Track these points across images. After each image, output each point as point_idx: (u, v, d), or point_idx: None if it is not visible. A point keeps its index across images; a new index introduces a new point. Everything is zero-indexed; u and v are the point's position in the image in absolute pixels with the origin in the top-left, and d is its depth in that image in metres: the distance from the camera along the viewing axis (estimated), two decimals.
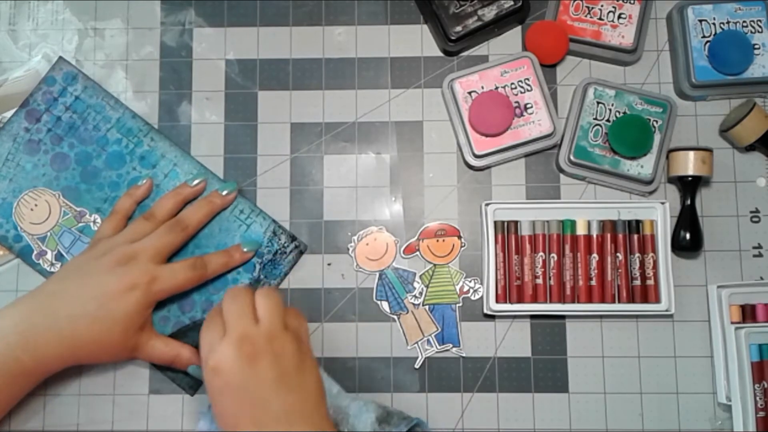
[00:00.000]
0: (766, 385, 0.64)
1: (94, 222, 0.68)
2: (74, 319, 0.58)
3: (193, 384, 0.67)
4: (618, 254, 0.67)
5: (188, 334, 0.66)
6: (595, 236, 0.67)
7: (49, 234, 0.69)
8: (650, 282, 0.67)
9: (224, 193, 0.67)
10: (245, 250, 0.67)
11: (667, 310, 0.66)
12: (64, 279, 0.61)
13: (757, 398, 0.63)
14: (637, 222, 0.68)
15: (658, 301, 0.66)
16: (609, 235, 0.67)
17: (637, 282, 0.67)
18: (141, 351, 0.62)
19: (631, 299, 0.67)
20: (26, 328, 0.58)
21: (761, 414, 0.63)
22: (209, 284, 0.67)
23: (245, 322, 0.53)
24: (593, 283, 0.67)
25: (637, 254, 0.67)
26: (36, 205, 0.69)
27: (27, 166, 0.69)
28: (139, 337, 0.61)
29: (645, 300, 0.66)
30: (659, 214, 0.67)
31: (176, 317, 0.67)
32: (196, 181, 0.68)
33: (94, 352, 0.60)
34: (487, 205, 0.67)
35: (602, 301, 0.67)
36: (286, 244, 0.68)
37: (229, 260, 0.66)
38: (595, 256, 0.67)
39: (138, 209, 0.68)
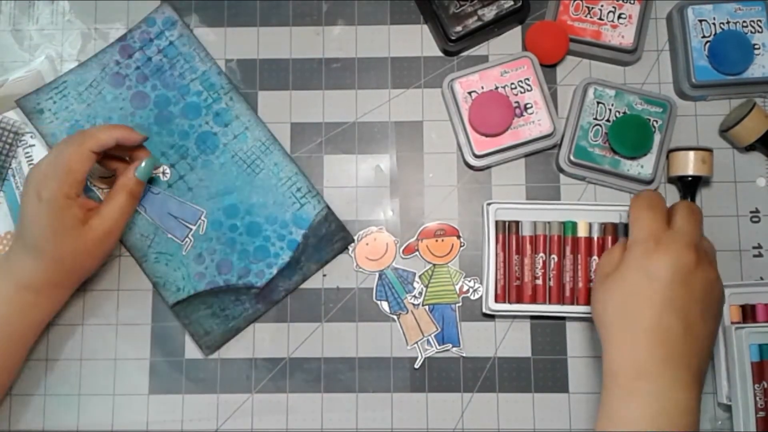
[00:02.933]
0: (766, 385, 0.63)
1: (164, 173, 0.69)
2: (38, 237, 0.59)
3: (210, 344, 0.67)
4: None
5: (219, 295, 0.67)
6: (596, 239, 0.67)
7: None
8: None
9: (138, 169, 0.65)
10: (137, 175, 0.63)
11: None
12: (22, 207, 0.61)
13: (758, 398, 0.63)
14: None
15: None
16: (610, 238, 0.67)
17: None
18: (110, 230, 0.61)
19: None
20: (2, 262, 0.61)
21: (761, 414, 0.63)
22: (249, 253, 0.67)
23: (695, 229, 0.54)
24: (593, 285, 0.67)
25: None
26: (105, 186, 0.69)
27: (108, 96, 0.70)
28: (94, 224, 0.61)
29: None
30: None
31: (212, 276, 0.67)
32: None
33: (72, 262, 0.61)
34: (488, 204, 0.67)
35: None
36: (334, 233, 0.68)
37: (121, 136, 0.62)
38: (595, 259, 0.67)
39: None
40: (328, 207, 0.68)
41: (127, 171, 0.64)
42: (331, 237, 0.68)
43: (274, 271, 0.67)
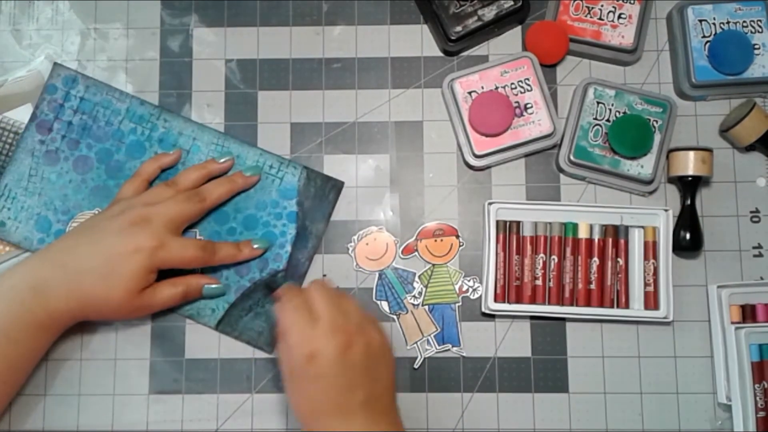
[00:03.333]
0: (766, 385, 0.63)
1: None
2: (81, 274, 0.59)
3: (269, 341, 0.67)
4: (619, 259, 0.67)
5: (251, 296, 0.67)
6: (596, 240, 0.67)
7: None
8: (650, 288, 0.66)
9: (248, 174, 0.68)
10: (255, 246, 0.67)
11: (665, 318, 0.66)
12: (77, 235, 0.62)
13: (757, 398, 0.63)
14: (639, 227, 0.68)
15: (656, 308, 0.66)
16: (611, 240, 0.67)
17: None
18: (153, 306, 0.63)
19: (629, 304, 0.67)
20: (37, 283, 0.59)
21: (761, 414, 0.63)
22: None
23: (336, 311, 0.56)
24: (593, 287, 0.67)
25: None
26: None
27: (51, 177, 0.69)
28: (143, 297, 0.61)
29: (644, 304, 0.66)
30: (662, 221, 0.67)
31: (236, 282, 0.67)
32: (223, 159, 0.68)
33: (99, 310, 0.61)
34: (489, 204, 0.67)
35: (601, 305, 0.67)
36: (322, 186, 0.69)
37: (237, 253, 0.66)
38: (595, 260, 0.67)
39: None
40: (304, 167, 0.69)
41: (200, 278, 0.66)
42: (322, 191, 0.69)
43: (289, 248, 0.68)
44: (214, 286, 0.66)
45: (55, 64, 0.70)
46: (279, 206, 0.68)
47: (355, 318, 0.56)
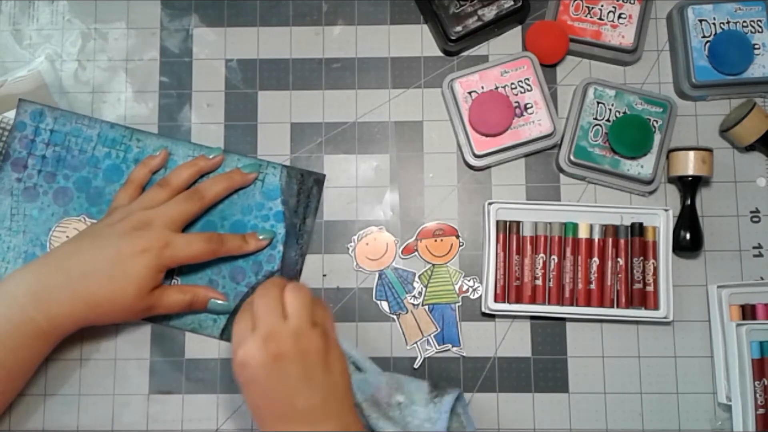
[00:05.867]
0: (766, 383, 0.64)
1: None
2: (87, 276, 0.59)
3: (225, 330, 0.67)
4: (619, 259, 0.67)
5: None
6: (596, 240, 0.67)
7: None
8: (650, 288, 0.66)
9: (246, 171, 0.68)
10: (261, 237, 0.67)
11: (665, 317, 0.66)
12: (78, 242, 0.62)
13: (757, 395, 0.63)
14: (640, 225, 0.67)
15: (656, 307, 0.66)
16: (611, 240, 0.67)
17: (639, 285, 0.67)
18: (158, 308, 0.63)
19: (630, 304, 0.67)
20: (38, 289, 0.58)
21: (761, 411, 0.63)
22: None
23: (273, 318, 0.53)
24: (593, 286, 0.67)
25: (636, 258, 0.67)
26: (67, 237, 0.67)
27: (33, 213, 0.68)
28: (152, 297, 0.61)
29: (644, 304, 0.66)
30: (662, 221, 0.67)
31: (233, 289, 0.67)
32: (213, 155, 0.68)
33: (107, 312, 0.60)
34: (489, 204, 0.67)
35: (601, 305, 0.67)
36: (304, 181, 0.69)
37: (243, 244, 0.66)
38: (595, 260, 0.67)
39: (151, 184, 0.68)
40: (283, 166, 0.69)
41: (208, 291, 0.66)
42: (304, 186, 0.69)
43: (280, 248, 0.68)
44: (220, 302, 0.66)
45: (20, 100, 0.69)
46: (264, 208, 0.68)
47: (295, 323, 0.53)
